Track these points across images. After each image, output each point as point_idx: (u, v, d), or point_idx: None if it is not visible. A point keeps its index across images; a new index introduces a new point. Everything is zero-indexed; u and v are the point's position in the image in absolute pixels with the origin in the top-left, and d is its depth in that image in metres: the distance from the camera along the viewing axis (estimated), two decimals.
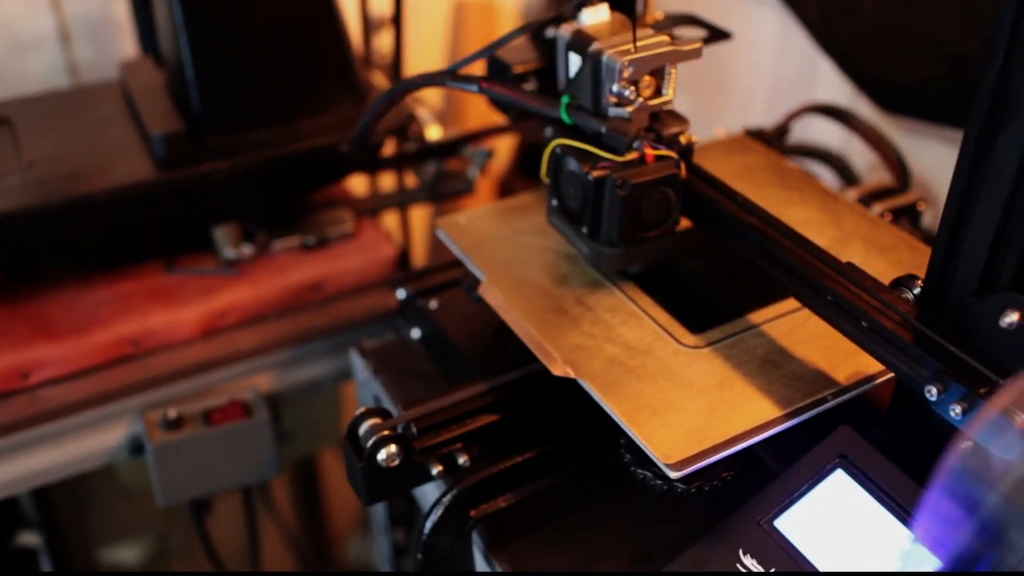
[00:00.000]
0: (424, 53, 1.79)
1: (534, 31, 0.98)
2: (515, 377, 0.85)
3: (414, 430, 0.79)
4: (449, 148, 1.24)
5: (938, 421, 0.64)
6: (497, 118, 1.19)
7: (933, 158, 1.27)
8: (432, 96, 1.79)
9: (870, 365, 0.76)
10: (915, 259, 0.88)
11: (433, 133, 1.22)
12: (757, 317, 0.83)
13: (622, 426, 0.71)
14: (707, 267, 0.93)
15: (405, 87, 0.93)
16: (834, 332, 0.77)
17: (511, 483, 0.80)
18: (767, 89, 1.52)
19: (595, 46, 0.79)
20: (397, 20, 1.33)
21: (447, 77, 0.87)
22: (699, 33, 0.94)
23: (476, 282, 0.88)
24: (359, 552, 1.79)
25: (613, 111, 0.79)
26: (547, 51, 0.99)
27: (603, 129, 0.79)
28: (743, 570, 0.66)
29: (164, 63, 1.16)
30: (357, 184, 1.38)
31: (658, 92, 0.80)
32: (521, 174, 1.69)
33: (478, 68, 0.95)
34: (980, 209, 0.62)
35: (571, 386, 0.76)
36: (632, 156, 0.78)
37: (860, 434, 0.69)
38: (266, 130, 1.10)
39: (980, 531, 0.47)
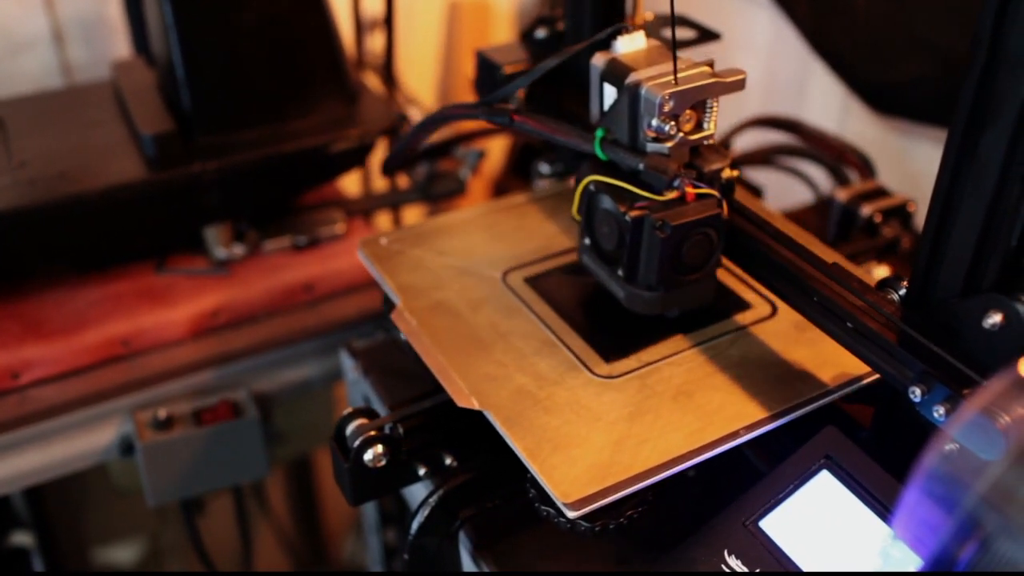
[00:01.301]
0: (418, 53, 1.79)
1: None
2: None
3: (400, 431, 0.79)
4: (441, 149, 1.24)
5: (923, 422, 0.64)
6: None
7: (925, 159, 1.27)
8: (425, 96, 1.79)
9: (787, 396, 0.74)
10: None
11: None
12: (675, 345, 0.80)
13: (524, 462, 0.69)
14: None
15: (439, 117, 0.91)
16: (753, 361, 0.77)
17: (498, 483, 0.80)
18: (761, 90, 1.53)
19: (632, 77, 0.73)
20: (389, 21, 1.33)
21: (482, 111, 0.84)
22: (689, 34, 0.94)
23: (393, 306, 0.85)
24: (353, 552, 1.79)
25: (651, 146, 0.74)
26: (536, 52, 0.99)
27: (641, 166, 0.73)
28: (728, 570, 0.66)
29: (155, 63, 1.16)
30: (349, 184, 1.38)
31: (699, 126, 0.75)
32: (515, 174, 1.69)
33: (467, 64, 0.95)
34: (964, 210, 0.62)
35: None
36: (672, 195, 0.73)
37: (846, 435, 0.69)
38: (257, 130, 1.10)
39: (959, 531, 0.47)
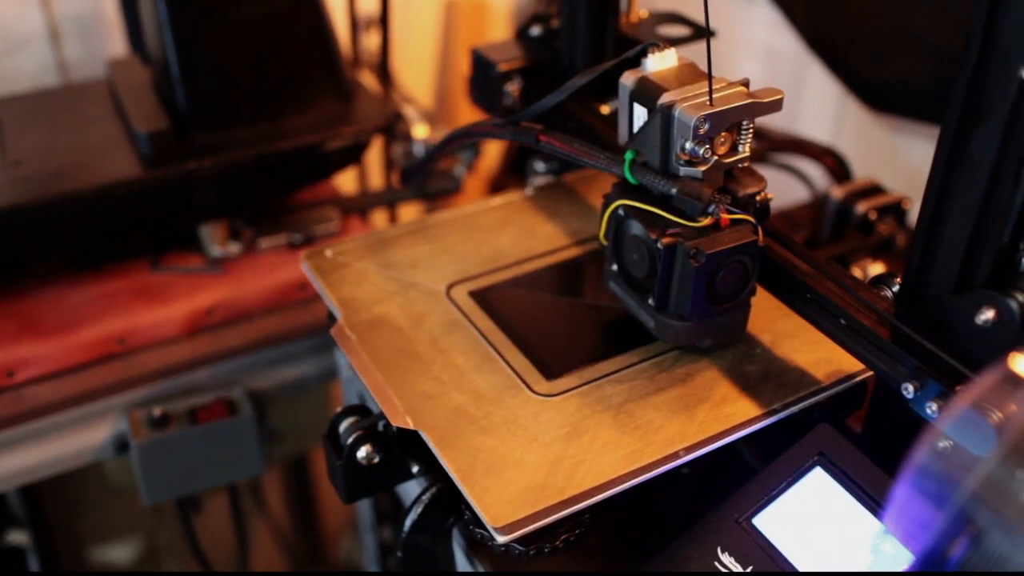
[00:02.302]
0: (414, 52, 1.79)
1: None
2: None
3: (394, 428, 0.79)
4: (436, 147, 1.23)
5: (917, 418, 0.64)
6: (485, 117, 1.19)
7: (921, 156, 1.27)
8: (422, 95, 1.79)
9: (727, 418, 0.72)
10: None
11: (420, 132, 1.22)
12: (620, 361, 0.78)
13: (456, 484, 0.68)
14: (573, 308, 0.87)
15: (464, 133, 0.91)
16: (698, 377, 0.76)
17: None
18: (757, 88, 1.52)
19: (665, 98, 0.70)
20: (384, 19, 1.33)
21: (509, 131, 0.82)
22: (683, 31, 0.93)
23: (335, 321, 0.84)
24: (350, 551, 1.79)
25: (684, 170, 0.70)
26: (531, 49, 1.00)
27: (673, 191, 0.70)
28: (721, 567, 0.66)
29: (151, 61, 1.16)
30: (345, 182, 1.38)
31: (734, 149, 0.71)
32: (512, 173, 1.69)
33: (464, 62, 0.95)
34: (957, 207, 0.62)
35: None
36: (706, 222, 0.70)
37: (840, 432, 0.70)
38: (252, 128, 1.10)
39: (950, 527, 0.47)
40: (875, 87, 1.24)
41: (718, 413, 0.73)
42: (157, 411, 1.04)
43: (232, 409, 1.06)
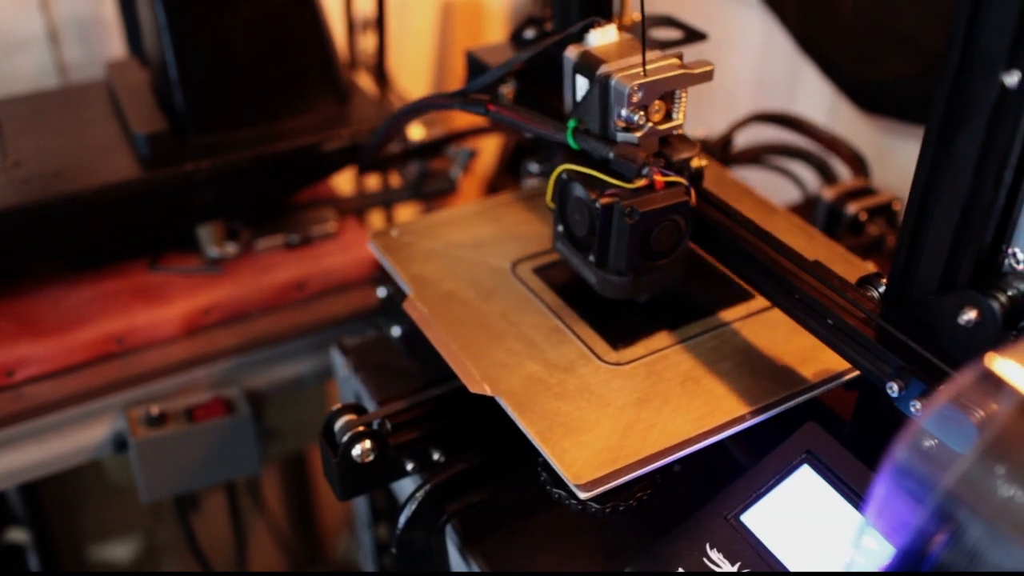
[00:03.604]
0: (410, 53, 1.80)
1: (547, 50, 0.97)
2: None
3: (389, 426, 0.80)
4: (432, 148, 1.25)
5: (902, 417, 0.65)
6: (481, 119, 1.20)
7: (911, 157, 1.28)
8: (418, 96, 1.80)
9: (792, 383, 0.76)
10: (848, 272, 0.86)
11: (416, 133, 1.23)
12: (681, 333, 0.82)
13: (536, 445, 0.70)
14: None
15: (417, 107, 0.93)
16: (756, 349, 0.79)
17: (485, 478, 0.81)
18: (750, 89, 1.54)
19: (603, 69, 0.75)
20: (380, 21, 1.34)
21: (458, 101, 0.85)
22: (675, 34, 0.95)
23: (404, 296, 0.87)
24: (348, 549, 1.80)
25: (621, 136, 0.76)
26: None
27: (611, 155, 0.75)
28: (710, 564, 0.67)
29: (149, 63, 1.17)
30: (342, 183, 1.39)
31: (668, 116, 0.77)
32: (508, 174, 1.70)
33: (459, 64, 0.96)
34: (940, 209, 0.63)
35: None
36: (641, 183, 0.75)
37: (827, 431, 0.71)
38: (249, 129, 1.11)
39: (927, 522, 0.48)
40: (866, 89, 1.25)
41: (780, 379, 0.76)
42: (155, 410, 1.05)
43: (229, 408, 1.07)
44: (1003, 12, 0.55)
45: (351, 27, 1.39)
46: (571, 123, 0.79)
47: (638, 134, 0.75)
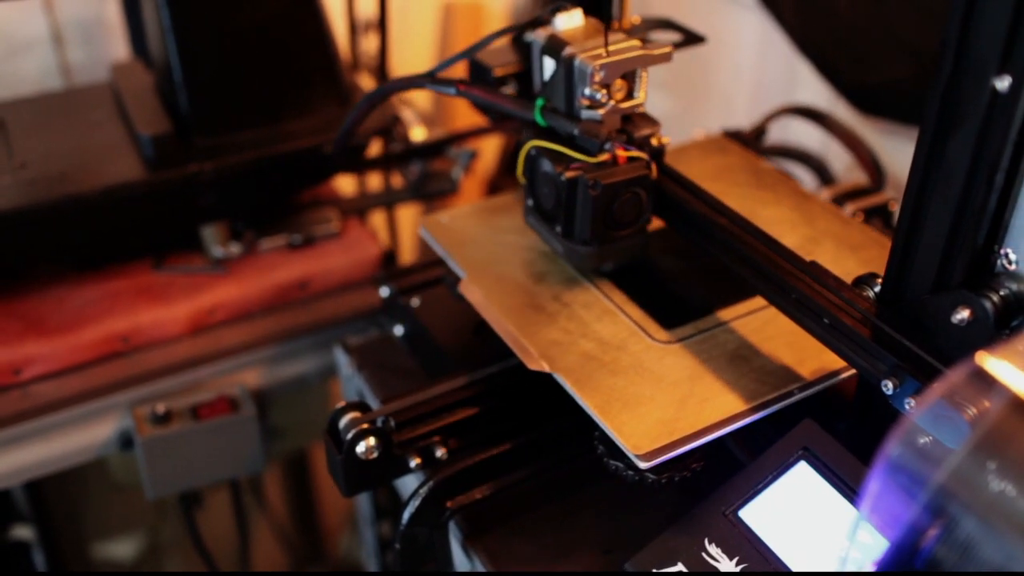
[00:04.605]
0: (412, 55, 1.81)
1: (512, 34, 1.00)
2: (492, 372, 0.87)
3: (392, 423, 0.81)
4: (433, 149, 1.26)
5: (897, 414, 0.66)
6: (482, 120, 1.21)
7: (908, 159, 1.29)
8: (419, 98, 1.81)
9: (837, 360, 0.77)
10: (885, 257, 0.90)
11: (417, 134, 1.24)
12: (727, 314, 0.85)
13: (594, 418, 0.73)
14: (681, 265, 0.95)
15: (385, 90, 0.95)
16: (801, 329, 0.79)
17: (487, 475, 0.82)
18: (748, 91, 1.55)
19: (568, 50, 0.80)
20: (382, 23, 1.35)
21: (426, 80, 0.88)
22: (674, 37, 0.96)
23: (457, 279, 0.90)
24: (349, 546, 1.81)
25: (586, 114, 0.81)
26: (527, 54, 1.01)
27: (576, 131, 0.80)
28: (708, 558, 0.68)
29: (153, 65, 1.18)
30: (344, 184, 1.40)
31: (630, 95, 0.82)
32: (508, 174, 1.71)
33: (461, 70, 0.97)
34: (934, 210, 0.64)
35: (545, 381, 0.78)
36: (604, 157, 0.80)
37: (824, 427, 0.72)
38: (252, 131, 1.12)
39: (921, 516, 0.49)
40: (863, 90, 1.26)
41: (822, 359, 0.78)
42: (160, 408, 1.06)
43: (234, 406, 1.08)
44: (995, 18, 0.56)
45: (353, 29, 1.40)
46: (539, 102, 0.83)
47: (601, 111, 0.80)
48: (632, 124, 0.83)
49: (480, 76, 1.01)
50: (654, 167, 0.83)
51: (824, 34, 1.26)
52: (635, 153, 0.81)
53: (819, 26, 1.26)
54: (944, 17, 0.59)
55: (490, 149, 1.76)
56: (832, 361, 0.78)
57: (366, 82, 1.35)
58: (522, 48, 1.02)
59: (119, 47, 1.47)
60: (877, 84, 1.22)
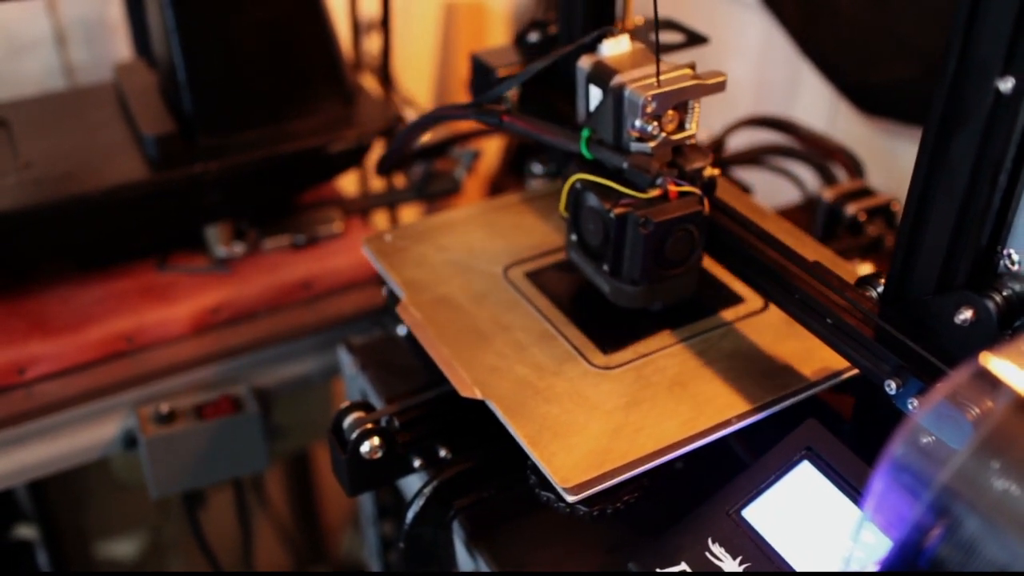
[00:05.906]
0: (414, 55, 1.81)
1: (558, 62, 0.99)
2: None
3: (396, 423, 0.82)
4: (436, 149, 1.26)
5: (900, 414, 0.66)
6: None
7: (911, 159, 1.29)
8: (422, 97, 1.81)
9: (777, 387, 0.76)
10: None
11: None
12: (670, 337, 0.83)
13: (524, 449, 0.71)
14: None
15: (431, 118, 0.94)
16: (744, 353, 0.79)
17: (491, 474, 0.82)
18: (751, 92, 1.55)
19: (617, 79, 0.76)
20: (385, 23, 1.35)
21: (472, 111, 0.86)
22: (677, 38, 0.96)
23: (397, 300, 0.88)
24: (352, 546, 1.82)
25: (635, 146, 0.76)
26: (529, 55, 1.02)
27: (625, 165, 0.76)
28: (712, 558, 0.69)
29: (157, 65, 1.18)
30: (347, 184, 1.41)
31: (681, 127, 0.78)
32: (510, 174, 1.71)
33: (463, 65, 0.97)
34: (937, 211, 0.64)
35: None
36: (655, 193, 0.76)
37: (827, 427, 0.72)
38: (256, 131, 1.12)
39: (924, 516, 0.49)
40: (866, 91, 1.27)
41: (764, 385, 0.77)
42: (164, 407, 1.06)
43: (237, 406, 1.09)
44: (999, 20, 0.56)
45: (356, 29, 1.40)
46: (584, 133, 0.79)
47: (651, 144, 0.76)
48: (683, 156, 0.78)
49: (484, 77, 1.02)
50: (706, 202, 0.78)
51: (826, 34, 1.26)
52: (687, 188, 0.77)
53: (821, 26, 1.26)
54: (947, 17, 0.60)
55: (493, 149, 1.76)
56: (772, 389, 0.76)
57: (369, 82, 1.35)
58: (526, 49, 1.03)
59: (122, 47, 1.47)
60: (879, 84, 1.22)
